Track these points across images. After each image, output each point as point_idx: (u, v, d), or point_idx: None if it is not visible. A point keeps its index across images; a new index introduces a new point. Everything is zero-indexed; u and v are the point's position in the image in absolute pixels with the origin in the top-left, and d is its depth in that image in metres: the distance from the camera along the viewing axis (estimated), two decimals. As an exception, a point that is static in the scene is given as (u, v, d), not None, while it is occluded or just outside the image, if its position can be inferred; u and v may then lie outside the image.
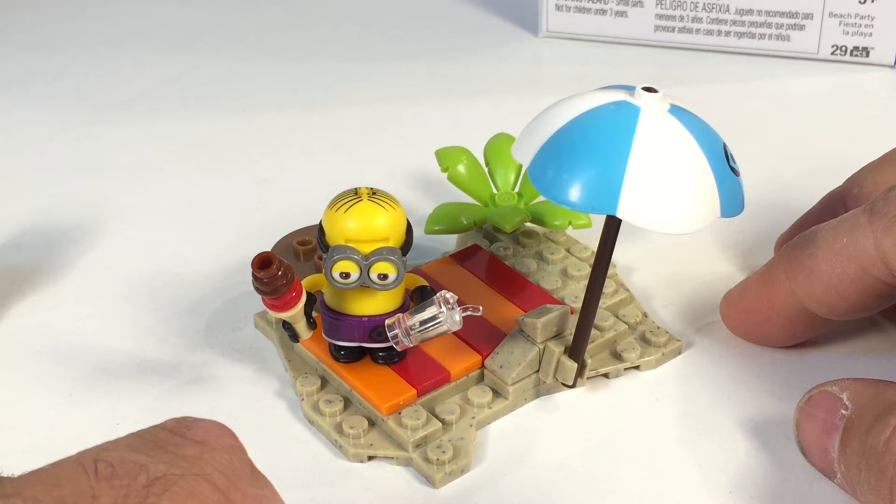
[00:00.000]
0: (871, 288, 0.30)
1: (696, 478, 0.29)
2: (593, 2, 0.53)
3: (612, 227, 0.29)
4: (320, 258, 0.35)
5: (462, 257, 0.36)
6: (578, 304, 0.32)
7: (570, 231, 0.38)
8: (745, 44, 0.52)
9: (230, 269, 0.38)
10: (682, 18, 0.53)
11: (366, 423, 0.30)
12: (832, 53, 0.52)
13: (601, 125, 0.27)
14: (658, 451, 0.30)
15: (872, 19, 0.50)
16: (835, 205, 0.35)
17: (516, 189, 0.38)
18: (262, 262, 0.28)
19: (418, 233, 0.36)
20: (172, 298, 0.36)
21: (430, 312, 0.30)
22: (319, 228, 0.30)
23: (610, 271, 0.35)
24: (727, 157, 0.28)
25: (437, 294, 0.30)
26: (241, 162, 0.45)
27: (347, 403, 0.31)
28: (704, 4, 0.52)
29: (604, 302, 0.34)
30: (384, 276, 0.29)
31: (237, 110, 0.50)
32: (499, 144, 0.39)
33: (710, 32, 0.53)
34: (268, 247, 0.36)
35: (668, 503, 0.29)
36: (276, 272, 0.28)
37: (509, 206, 0.37)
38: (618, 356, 0.33)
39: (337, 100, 0.50)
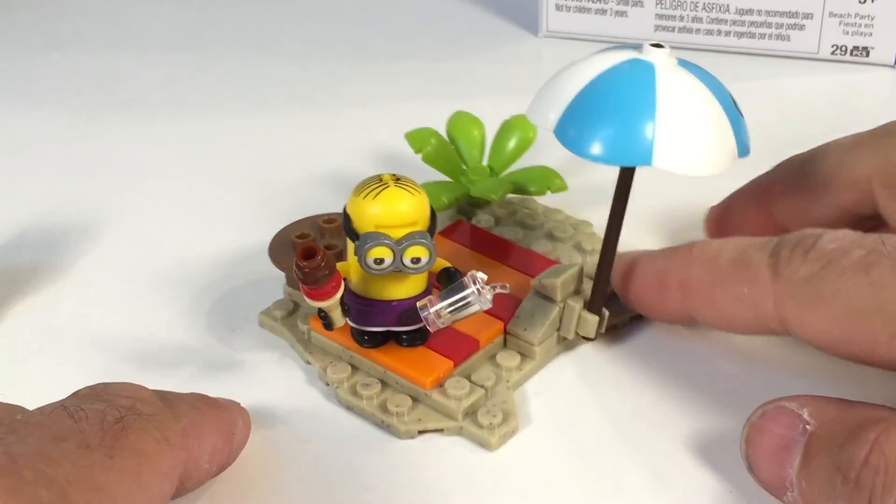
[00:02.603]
0: (763, 331, 0.31)
1: (696, 478, 0.29)
2: (593, 2, 0.53)
3: (627, 178, 0.31)
4: (328, 248, 0.35)
5: (450, 233, 0.37)
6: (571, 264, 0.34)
7: (544, 197, 0.39)
8: (745, 44, 0.52)
9: (230, 269, 0.38)
10: (682, 18, 0.53)
11: (409, 400, 0.31)
12: (832, 53, 0.52)
13: (624, 83, 0.29)
14: (657, 450, 0.30)
15: (872, 19, 0.50)
16: (796, 175, 0.35)
17: (485, 163, 0.39)
18: (306, 253, 0.28)
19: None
20: (173, 298, 0.37)
21: (461, 293, 0.30)
22: (345, 216, 0.30)
23: (588, 230, 0.38)
24: (734, 102, 0.30)
25: (468, 274, 0.30)
26: (241, 161, 0.45)
27: (383, 385, 0.32)
28: (704, 4, 0.52)
29: (592, 260, 0.36)
30: (417, 260, 0.30)
31: (237, 110, 0.50)
32: (461, 121, 0.40)
33: (710, 32, 0.53)
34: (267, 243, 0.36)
35: (668, 503, 0.29)
36: (319, 263, 0.28)
37: (493, 179, 0.38)
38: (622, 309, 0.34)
39: (337, 99, 0.50)
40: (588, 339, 0.33)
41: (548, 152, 0.41)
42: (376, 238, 0.29)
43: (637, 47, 0.30)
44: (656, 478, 0.29)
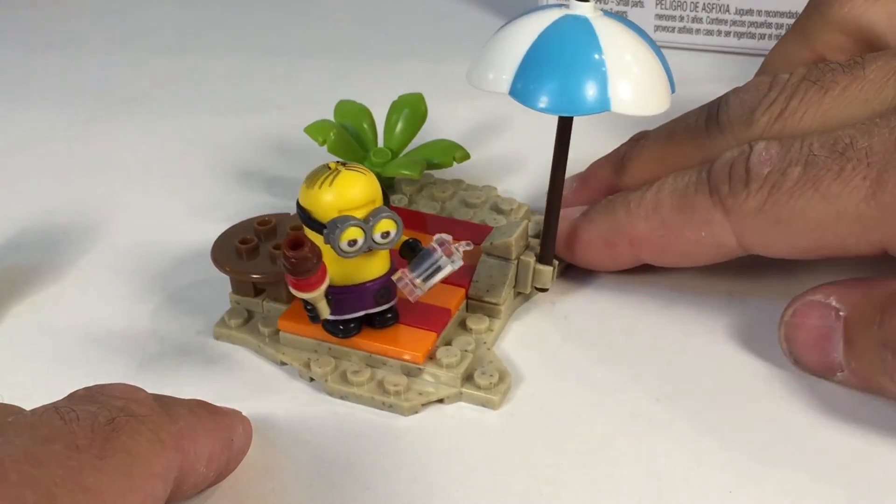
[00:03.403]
0: (723, 259, 0.33)
1: (696, 478, 0.29)
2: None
3: (567, 127, 0.33)
4: (276, 247, 0.35)
5: None
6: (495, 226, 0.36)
7: (441, 171, 0.41)
8: (745, 44, 0.52)
9: (230, 269, 0.38)
10: (682, 18, 0.53)
11: (405, 377, 0.31)
12: (832, 53, 0.52)
13: (569, 37, 0.30)
14: (658, 451, 0.30)
15: (872, 19, 0.50)
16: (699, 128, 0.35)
17: (380, 146, 0.41)
18: (294, 243, 0.28)
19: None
20: (173, 299, 0.37)
21: (431, 258, 0.31)
22: (302, 211, 0.31)
23: (494, 193, 0.40)
24: (656, 44, 0.32)
25: (435, 238, 0.31)
26: (242, 162, 0.45)
27: (372, 369, 0.32)
28: (704, 4, 0.52)
29: (513, 218, 0.38)
30: (387, 234, 0.30)
31: (237, 110, 0.50)
32: (348, 109, 0.41)
33: (710, 32, 0.53)
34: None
35: (668, 503, 0.29)
36: (307, 253, 0.28)
37: (403, 158, 0.40)
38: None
39: (337, 100, 0.50)
40: (543, 290, 0.35)
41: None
42: (345, 221, 0.30)
43: (563, 5, 0.31)
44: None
